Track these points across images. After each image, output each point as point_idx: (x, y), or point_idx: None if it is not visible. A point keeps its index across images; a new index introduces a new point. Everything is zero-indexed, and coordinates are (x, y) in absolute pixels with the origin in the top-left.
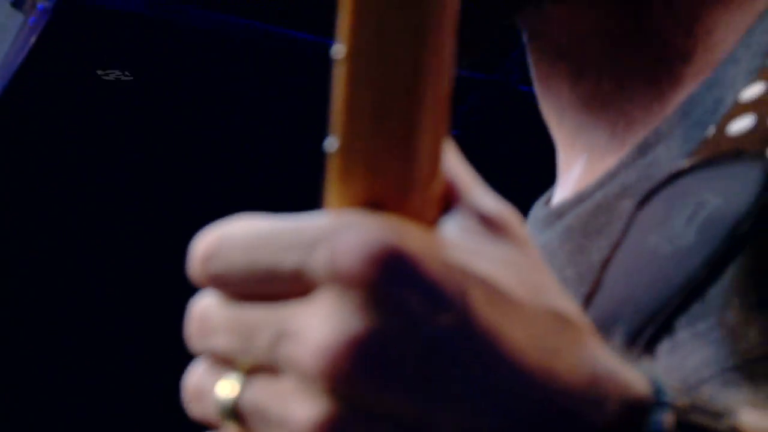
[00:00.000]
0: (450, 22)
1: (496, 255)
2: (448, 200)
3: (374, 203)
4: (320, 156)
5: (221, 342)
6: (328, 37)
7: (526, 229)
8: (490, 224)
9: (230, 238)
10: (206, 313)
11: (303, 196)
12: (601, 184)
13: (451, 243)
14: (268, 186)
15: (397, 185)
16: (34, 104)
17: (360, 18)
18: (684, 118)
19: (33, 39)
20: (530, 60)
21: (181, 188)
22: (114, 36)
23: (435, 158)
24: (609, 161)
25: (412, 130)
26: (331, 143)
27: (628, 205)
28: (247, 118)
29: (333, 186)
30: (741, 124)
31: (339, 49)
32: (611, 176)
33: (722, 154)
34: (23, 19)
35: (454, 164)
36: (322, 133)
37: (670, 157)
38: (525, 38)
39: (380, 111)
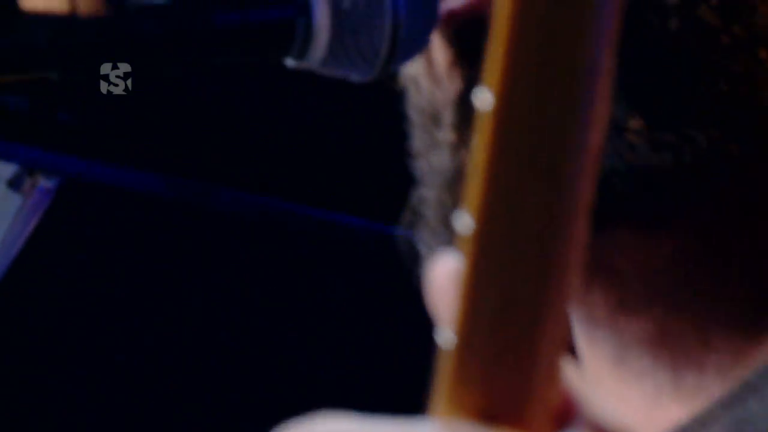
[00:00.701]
0: (587, 203)
1: None
2: (567, 416)
3: (488, 414)
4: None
5: None
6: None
7: None
8: None
9: None
10: None
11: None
12: None
13: None
14: (359, 379)
15: (515, 395)
16: (36, 290)
17: (492, 192)
18: None
19: (34, 222)
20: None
21: (232, 382)
22: (123, 216)
23: (556, 365)
24: (674, 412)
25: (541, 328)
26: (447, 338)
27: None
28: (308, 306)
29: (445, 387)
30: None
31: (467, 222)
32: (686, 430)
33: None
34: (21, 201)
35: (574, 375)
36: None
37: None
38: None
39: (508, 306)
